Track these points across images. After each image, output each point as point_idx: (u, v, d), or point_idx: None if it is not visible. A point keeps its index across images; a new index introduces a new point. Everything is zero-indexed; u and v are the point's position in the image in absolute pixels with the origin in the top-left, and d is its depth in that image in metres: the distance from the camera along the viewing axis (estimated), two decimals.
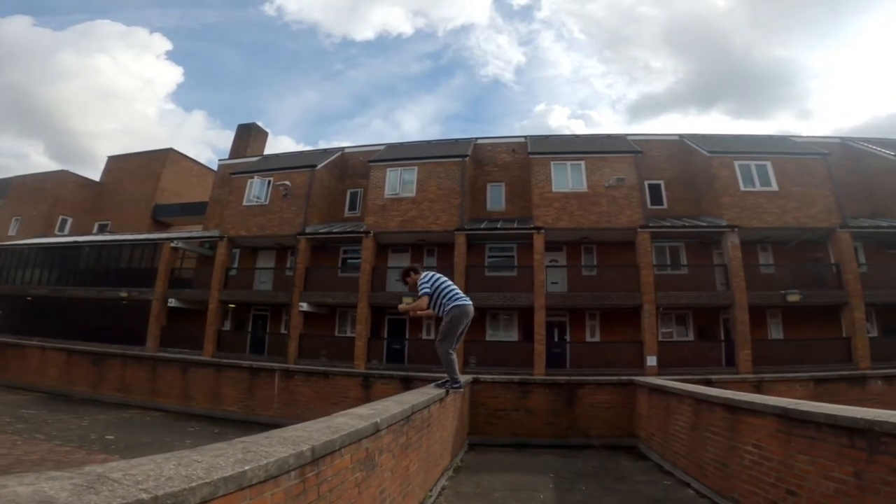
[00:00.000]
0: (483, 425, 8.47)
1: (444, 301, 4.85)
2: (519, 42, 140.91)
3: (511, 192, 17.93)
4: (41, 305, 20.49)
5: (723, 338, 15.38)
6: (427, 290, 4.84)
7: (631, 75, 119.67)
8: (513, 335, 16.52)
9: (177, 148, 28.84)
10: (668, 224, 15.59)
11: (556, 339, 15.77)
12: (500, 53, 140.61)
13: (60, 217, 25.77)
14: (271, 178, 18.03)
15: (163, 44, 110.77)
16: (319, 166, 18.17)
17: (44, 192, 25.74)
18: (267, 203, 17.92)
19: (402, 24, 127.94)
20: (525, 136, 18.76)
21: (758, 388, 11.42)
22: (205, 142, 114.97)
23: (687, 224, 15.58)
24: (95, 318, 19.35)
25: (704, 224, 15.39)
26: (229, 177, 19.63)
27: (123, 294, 19.00)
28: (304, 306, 16.38)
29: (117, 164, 27.97)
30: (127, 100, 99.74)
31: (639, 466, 6.65)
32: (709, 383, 9.88)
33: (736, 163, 15.78)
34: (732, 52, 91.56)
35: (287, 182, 17.43)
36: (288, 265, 18.35)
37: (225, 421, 13.29)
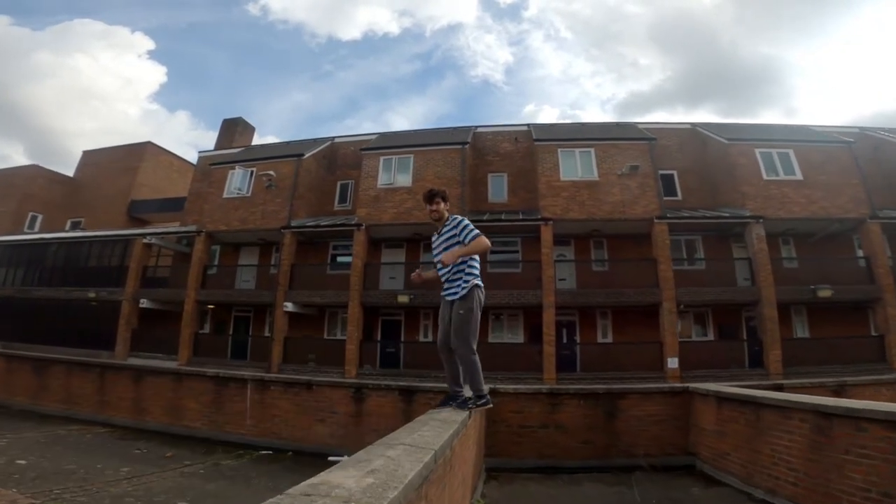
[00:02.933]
0: (504, 445, 7.16)
1: (465, 272, 3.41)
2: (508, 42, 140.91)
3: (514, 183, 16.70)
4: (6, 307, 19.01)
5: (745, 337, 14.29)
6: (477, 233, 3.35)
7: (619, 73, 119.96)
8: (518, 336, 15.31)
9: (166, 148, 27.14)
10: (686, 215, 14.44)
11: (564, 340, 14.60)
12: (489, 54, 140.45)
13: (30, 214, 24.14)
14: (254, 169, 16.61)
15: (145, 43, 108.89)
16: (307, 155, 16.78)
17: (12, 188, 24.08)
18: (249, 195, 16.51)
19: (388, 23, 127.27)
20: (528, 125, 17.53)
21: (838, 392, 9.59)
22: (189, 142, 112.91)
23: (708, 215, 14.43)
24: (63, 321, 17.89)
25: (727, 214, 14.26)
26: (210, 169, 18.15)
27: (91, 294, 17.58)
28: (290, 306, 15.03)
29: (92, 158, 26.31)
30: (107, 99, 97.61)
31: (714, 495, 5.39)
32: (780, 388, 8.57)
33: (757, 150, 14.73)
34: (719, 49, 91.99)
35: (271, 172, 15.99)
36: (272, 262, 16.93)
37: (185, 439, 11.45)
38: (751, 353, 13.40)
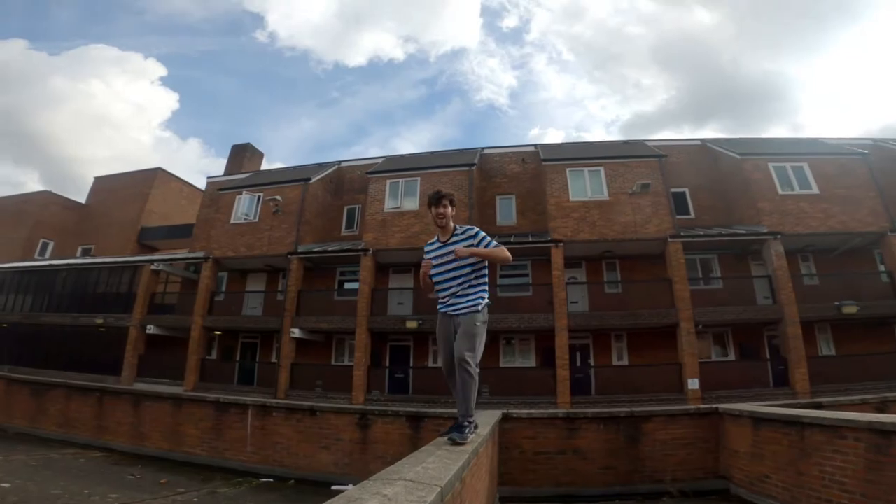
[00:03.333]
0: (518, 473, 6.86)
1: (481, 286, 3.10)
2: (511, 66, 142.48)
3: (522, 205, 16.47)
4: (14, 332, 19.17)
5: (768, 356, 13.84)
6: (497, 243, 3.10)
7: (623, 94, 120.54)
8: (530, 360, 14.95)
9: (176, 175, 27.40)
10: (701, 233, 14.07)
11: (578, 363, 14.23)
12: (493, 78, 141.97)
13: (42, 240, 24.40)
14: (261, 194, 16.59)
15: (158, 70, 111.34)
16: (314, 180, 16.74)
17: (25, 215, 24.41)
18: (256, 220, 16.46)
19: (393, 49, 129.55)
20: (535, 145, 17.40)
21: (882, 409, 9.29)
22: (200, 170, 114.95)
23: (724, 232, 14.05)
24: (70, 346, 17.96)
25: (743, 231, 13.86)
26: (217, 195, 18.19)
27: (99, 320, 17.63)
28: (297, 332, 14.85)
29: (104, 185, 26.65)
30: (120, 126, 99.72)
31: None
32: (818, 407, 8.16)
33: (770, 165, 14.42)
34: (721, 67, 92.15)
35: (278, 197, 15.96)
36: (279, 288, 16.79)
37: (184, 465, 11.15)
38: (775, 373, 12.91)
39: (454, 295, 3.02)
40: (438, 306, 3.12)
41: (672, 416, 7.65)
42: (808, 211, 13.71)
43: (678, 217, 14.69)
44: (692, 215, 15.79)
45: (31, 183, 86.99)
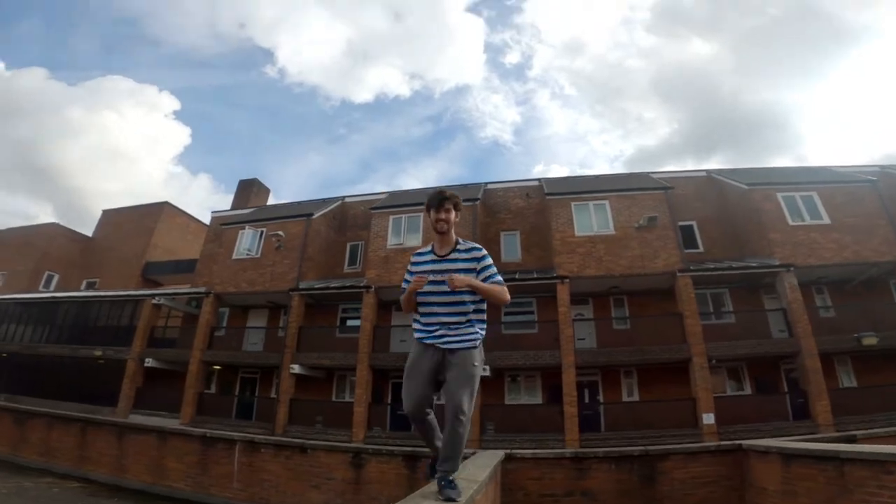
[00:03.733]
0: None
1: (481, 320, 2.53)
2: (515, 101, 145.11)
3: (527, 241, 16.29)
4: (11, 362, 19.20)
5: (786, 389, 13.42)
6: (501, 279, 2.53)
7: (625, 128, 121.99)
8: (536, 397, 14.59)
9: (182, 209, 27.66)
10: (711, 267, 13.72)
11: (586, 399, 13.91)
12: (497, 114, 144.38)
13: (47, 273, 24.50)
14: (264, 229, 16.56)
15: (172, 103, 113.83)
16: (317, 215, 16.69)
17: (31, 247, 24.61)
18: (258, 256, 16.38)
19: (398, 86, 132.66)
20: (539, 179, 17.31)
21: None
22: (209, 206, 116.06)
23: (735, 266, 13.71)
24: (68, 377, 17.95)
25: (755, 264, 13.52)
26: (221, 230, 18.19)
27: (98, 352, 17.68)
28: (297, 368, 14.70)
29: (111, 218, 26.89)
30: (134, 160, 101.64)
31: None
32: (853, 440, 7.74)
33: (779, 194, 14.21)
34: (721, 98, 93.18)
35: (280, 232, 15.89)
36: (281, 324, 16.58)
37: (166, 500, 10.77)
38: (794, 405, 12.54)
39: (446, 326, 2.41)
40: (419, 334, 2.46)
41: (692, 454, 7.27)
42: (821, 241, 13.42)
43: (686, 251, 14.40)
44: (701, 248, 15.47)
45: (44, 215, 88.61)
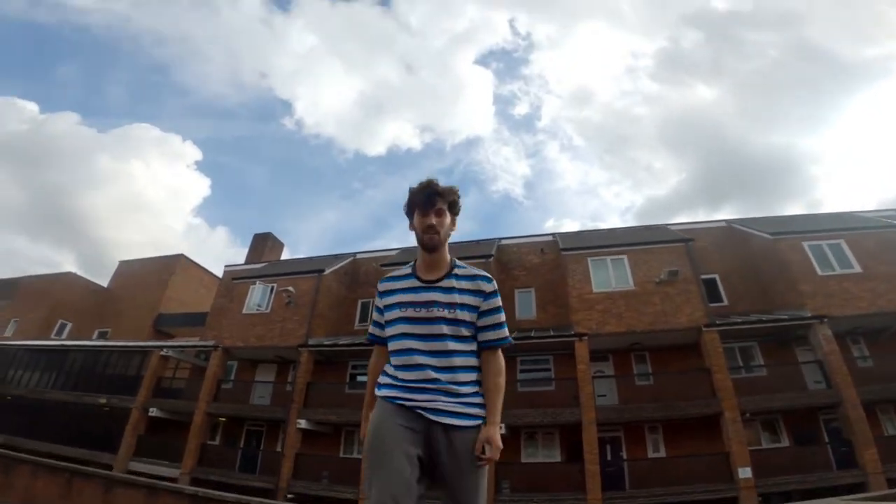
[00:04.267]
0: None
1: (472, 370, 1.71)
2: (525, 154, 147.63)
3: (542, 298, 15.87)
4: (15, 405, 19.13)
5: (827, 440, 12.68)
6: (507, 332, 1.76)
7: (634, 178, 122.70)
8: (554, 455, 13.93)
9: (197, 262, 27.97)
10: (739, 321, 13.13)
11: (609, 456, 13.27)
12: (508, 167, 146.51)
13: (60, 321, 24.62)
14: (275, 285, 16.46)
15: (194, 153, 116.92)
16: (328, 272, 16.58)
17: (46, 295, 24.86)
18: (268, 312, 16.24)
19: (411, 138, 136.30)
20: (553, 234, 17.07)
21: None
22: (226, 260, 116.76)
23: (764, 319, 13.08)
24: (71, 422, 17.82)
25: (786, 317, 12.90)
26: (232, 283, 18.14)
27: (103, 400, 17.66)
28: (304, 424, 14.52)
29: (127, 269, 27.18)
30: (156, 211, 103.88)
31: None
32: None
33: (805, 244, 13.71)
34: (729, 143, 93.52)
35: (291, 288, 15.73)
36: (289, 379, 16.28)
37: None
38: (837, 455, 11.92)
39: (434, 383, 1.59)
40: (389, 391, 1.63)
41: None
42: (854, 291, 12.85)
43: (711, 305, 13.78)
44: (725, 302, 14.82)
45: (67, 264, 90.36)
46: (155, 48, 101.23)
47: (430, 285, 1.69)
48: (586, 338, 12.96)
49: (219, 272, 23.77)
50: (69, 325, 24.74)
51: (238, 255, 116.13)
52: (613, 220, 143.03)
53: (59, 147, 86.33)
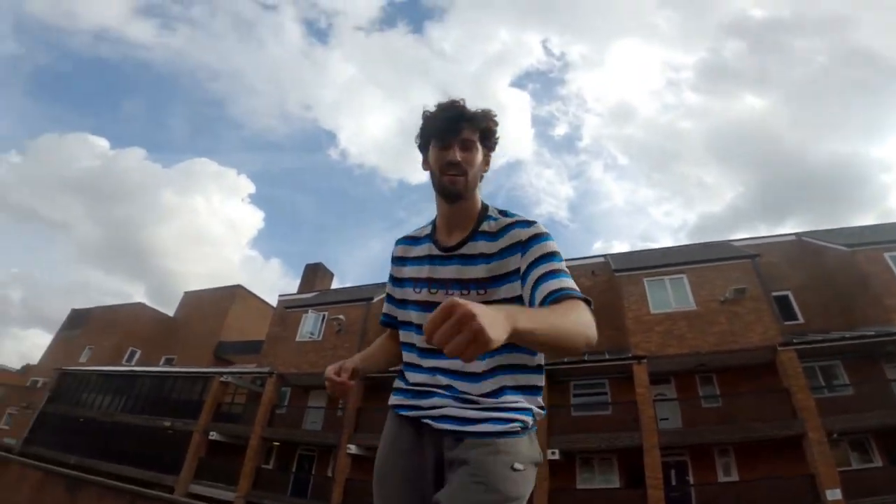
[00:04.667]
0: None
1: (527, 383, 1.16)
2: (568, 175, 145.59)
3: (596, 321, 15.13)
4: (88, 426, 20.44)
5: None
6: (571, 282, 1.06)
7: (685, 195, 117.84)
8: (613, 480, 13.29)
9: (253, 292, 29.39)
10: (819, 339, 12.14)
11: (673, 481, 12.59)
12: (551, 189, 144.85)
13: (130, 348, 26.37)
14: (326, 313, 16.94)
15: (247, 186, 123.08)
16: (376, 300, 16.83)
17: (117, 325, 26.77)
18: (320, 339, 16.71)
19: None
20: (604, 255, 16.49)
21: None
22: (279, 290, 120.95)
23: (848, 336, 12.01)
24: (138, 444, 18.80)
25: (872, 333, 11.79)
26: (286, 313, 18.80)
27: (167, 423, 18.52)
28: (353, 449, 14.60)
29: (191, 299, 28.84)
30: (216, 244, 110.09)
31: None
32: None
33: (887, 255, 12.64)
34: (786, 154, 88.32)
35: (341, 316, 16.11)
36: (340, 405, 16.40)
37: None
38: None
39: (448, 390, 1.14)
40: (394, 397, 1.27)
41: None
42: None
43: (785, 323, 12.80)
44: (800, 319, 13.72)
45: (137, 295, 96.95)
46: (210, 83, 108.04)
47: (449, 254, 1.19)
48: (645, 360, 12.32)
49: (273, 301, 24.76)
50: (138, 352, 26.44)
51: (290, 284, 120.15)
52: (665, 240, 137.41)
53: (129, 182, 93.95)
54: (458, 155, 1.17)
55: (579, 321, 0.95)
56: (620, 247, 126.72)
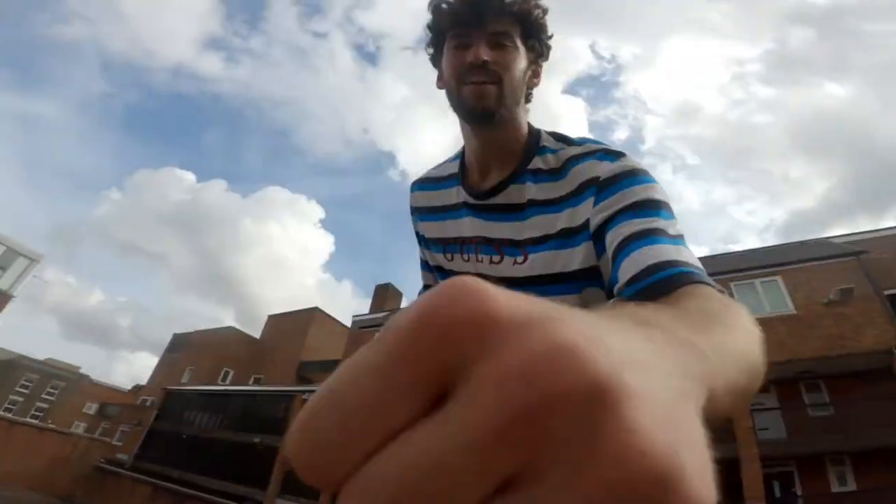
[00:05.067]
0: None
1: None
2: None
3: None
4: (189, 442, 21.97)
5: None
6: (698, 267, 0.56)
7: (769, 191, 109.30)
8: None
9: (329, 314, 31.01)
10: None
11: (777, 493, 11.93)
12: None
13: (224, 369, 28.40)
14: None
15: (318, 212, 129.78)
16: None
17: (211, 347, 29.10)
18: None
19: None
20: None
21: None
22: (352, 310, 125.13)
23: None
24: (230, 459, 19.84)
25: None
26: (359, 332, 19.62)
27: (257, 440, 19.38)
28: None
29: (274, 322, 30.82)
30: (292, 269, 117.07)
31: None
32: None
33: None
34: (880, 141, 79.13)
35: None
36: None
37: None
38: None
39: None
40: None
41: None
42: None
43: None
44: None
45: (228, 320, 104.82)
46: (274, 112, 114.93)
47: (484, 204, 0.84)
48: None
49: (348, 322, 25.88)
50: (231, 372, 28.51)
51: (362, 304, 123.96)
52: (751, 241, 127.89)
53: (214, 213, 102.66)
54: (485, 53, 0.74)
55: (751, 338, 0.40)
56: (701, 250, 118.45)
